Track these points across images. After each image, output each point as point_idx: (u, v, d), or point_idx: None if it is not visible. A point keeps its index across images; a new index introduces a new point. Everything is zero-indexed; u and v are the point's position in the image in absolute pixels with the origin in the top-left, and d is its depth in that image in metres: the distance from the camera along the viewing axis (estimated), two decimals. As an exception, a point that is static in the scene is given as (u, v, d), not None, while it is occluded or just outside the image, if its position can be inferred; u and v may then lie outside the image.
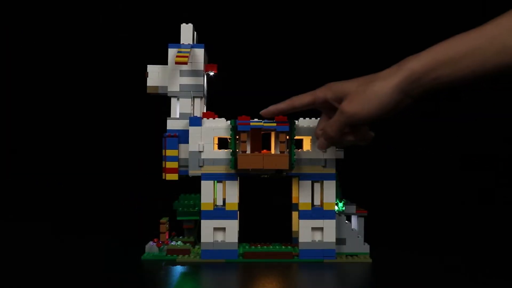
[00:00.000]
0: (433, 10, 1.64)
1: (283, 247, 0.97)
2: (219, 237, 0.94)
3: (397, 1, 1.63)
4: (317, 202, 0.94)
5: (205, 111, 1.01)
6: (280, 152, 0.92)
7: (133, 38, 1.62)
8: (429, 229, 1.23)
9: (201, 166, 0.94)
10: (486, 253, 1.00)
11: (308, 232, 0.93)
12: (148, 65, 0.98)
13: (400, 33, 1.63)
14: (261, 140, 0.94)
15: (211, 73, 1.00)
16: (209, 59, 1.05)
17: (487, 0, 1.53)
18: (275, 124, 0.91)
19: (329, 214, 0.94)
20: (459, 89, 0.74)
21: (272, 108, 0.88)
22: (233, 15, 1.63)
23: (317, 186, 0.94)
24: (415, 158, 1.65)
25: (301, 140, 1.00)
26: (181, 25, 0.97)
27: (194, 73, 0.96)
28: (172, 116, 0.96)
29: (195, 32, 1.00)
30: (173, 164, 0.94)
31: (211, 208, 0.94)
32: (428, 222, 1.31)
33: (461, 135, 1.67)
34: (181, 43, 0.97)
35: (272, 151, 1.01)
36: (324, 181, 0.94)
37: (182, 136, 0.95)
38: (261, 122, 0.91)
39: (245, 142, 0.91)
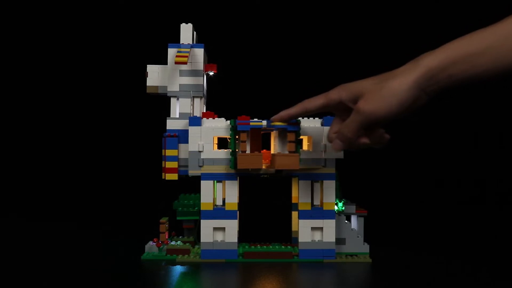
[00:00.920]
0: (433, 10, 1.64)
1: (283, 247, 0.97)
2: (219, 237, 0.94)
3: (395, 1, 1.63)
4: (316, 202, 0.94)
5: (204, 111, 1.01)
6: (289, 152, 0.91)
7: (133, 38, 1.62)
8: (429, 229, 1.23)
9: (200, 166, 0.94)
10: (486, 253, 1.00)
11: (308, 232, 0.93)
12: (148, 65, 0.98)
13: (399, 33, 1.63)
14: (260, 140, 0.94)
15: (211, 73, 1.00)
16: (209, 59, 1.05)
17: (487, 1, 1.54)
18: (285, 124, 0.90)
19: (329, 214, 0.94)
20: (473, 86, 0.73)
21: (284, 113, 0.86)
22: (233, 15, 1.63)
23: (317, 186, 0.94)
24: (415, 158, 1.66)
25: (301, 140, 1.00)
26: (181, 25, 0.97)
27: (194, 73, 0.96)
28: (171, 116, 0.96)
29: (194, 32, 1.00)
30: (173, 164, 0.94)
31: (211, 208, 0.94)
32: (427, 222, 1.31)
33: (461, 135, 1.67)
34: (180, 43, 0.97)
35: (272, 151, 1.02)
36: (324, 181, 0.94)
37: (182, 136, 0.95)
38: (261, 122, 0.91)
39: (244, 142, 0.91)
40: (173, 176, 0.94)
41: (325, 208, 0.94)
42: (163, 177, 0.95)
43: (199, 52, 0.96)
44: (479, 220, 1.34)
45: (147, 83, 0.98)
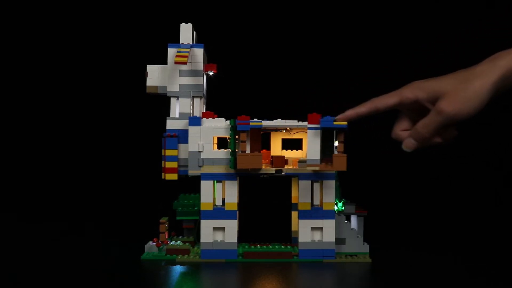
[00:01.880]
0: (433, 10, 1.64)
1: (283, 247, 0.97)
2: (219, 237, 0.94)
3: (394, 1, 1.63)
4: (316, 202, 0.94)
5: (204, 111, 1.01)
6: (338, 152, 0.89)
7: (133, 38, 1.62)
8: (429, 229, 1.23)
9: (200, 166, 0.94)
10: (486, 253, 1.00)
11: (308, 232, 0.93)
12: (147, 65, 0.98)
13: (398, 33, 1.63)
14: (260, 140, 0.94)
15: (211, 73, 1.00)
16: (209, 59, 1.05)
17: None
18: (337, 123, 0.87)
19: (329, 214, 0.94)
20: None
21: (351, 112, 0.84)
22: (233, 15, 1.63)
23: (316, 186, 0.94)
24: (415, 158, 1.65)
25: (301, 140, 1.00)
26: (181, 25, 0.97)
27: (194, 73, 0.96)
28: (171, 116, 0.96)
29: (194, 32, 1.00)
30: (173, 164, 0.94)
31: (211, 208, 0.94)
32: (427, 222, 1.31)
33: (461, 136, 1.67)
34: (180, 43, 0.97)
35: (272, 151, 1.02)
36: (324, 181, 0.94)
37: (182, 136, 0.95)
38: (261, 122, 0.91)
39: (244, 142, 0.91)
40: (173, 176, 0.94)
41: (325, 208, 0.94)
42: (163, 177, 0.95)
43: (199, 52, 0.96)
44: (479, 220, 1.34)
45: (147, 83, 0.98)
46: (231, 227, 0.93)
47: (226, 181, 0.94)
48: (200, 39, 1.03)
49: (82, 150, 1.68)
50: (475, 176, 1.63)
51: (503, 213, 1.43)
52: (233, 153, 0.92)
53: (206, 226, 0.93)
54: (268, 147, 1.02)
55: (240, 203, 0.96)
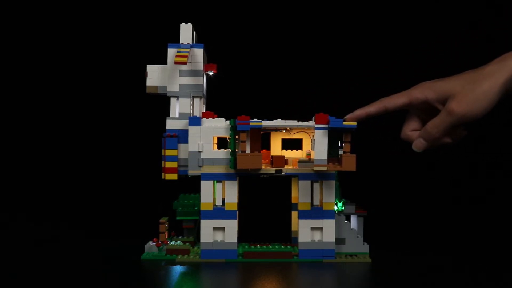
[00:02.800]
0: (432, 10, 1.64)
1: (283, 247, 0.97)
2: (219, 237, 0.94)
3: (394, 2, 1.63)
4: (316, 202, 0.94)
5: (204, 111, 1.01)
6: (345, 152, 0.89)
7: (133, 38, 1.62)
8: (429, 229, 1.23)
9: (200, 166, 0.94)
10: (486, 253, 1.00)
11: (308, 232, 0.93)
12: (147, 65, 0.98)
13: (398, 33, 1.63)
14: (260, 140, 0.94)
15: (211, 73, 1.00)
16: (209, 59, 1.05)
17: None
18: (347, 123, 0.87)
19: (329, 214, 0.94)
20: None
21: (360, 112, 0.84)
22: (233, 15, 1.63)
23: (316, 186, 0.94)
24: (415, 157, 1.65)
25: (301, 140, 1.00)
26: (181, 25, 0.97)
27: (194, 73, 0.96)
28: (171, 116, 0.96)
29: (194, 32, 1.00)
30: (173, 164, 0.94)
31: (211, 208, 0.94)
32: (427, 222, 1.31)
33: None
34: (180, 43, 0.97)
35: (272, 151, 1.02)
36: (324, 181, 0.94)
37: (182, 136, 0.95)
38: (261, 122, 0.91)
39: (244, 142, 0.91)
40: (173, 176, 0.94)
41: (324, 208, 0.94)
42: (163, 177, 0.95)
43: (199, 52, 0.96)
44: (479, 220, 1.34)
45: (147, 83, 0.98)
46: (231, 227, 0.93)
47: (226, 181, 0.94)
48: (200, 39, 1.03)
49: (82, 150, 1.68)
50: (475, 176, 1.63)
51: (503, 213, 1.43)
52: (233, 153, 0.92)
53: (206, 226, 0.93)
54: (268, 147, 1.02)
55: (240, 203, 0.96)
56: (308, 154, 1.00)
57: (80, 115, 1.69)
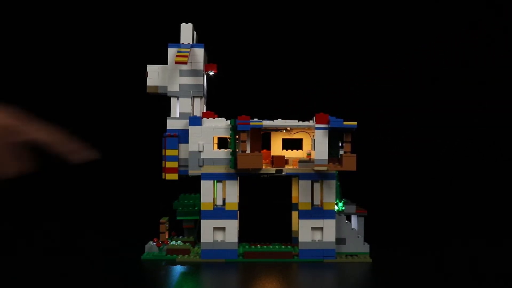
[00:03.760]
0: (432, 10, 1.64)
1: (283, 246, 0.97)
2: (219, 237, 0.94)
3: (396, 2, 1.63)
4: (317, 201, 0.94)
5: (205, 110, 1.01)
6: (345, 152, 0.89)
7: (133, 38, 1.62)
8: (429, 229, 1.23)
9: (201, 166, 0.94)
10: (486, 253, 1.00)
11: (308, 232, 0.93)
12: (148, 65, 0.98)
13: (398, 34, 1.63)
14: (261, 140, 0.94)
15: (211, 73, 1.00)
16: (209, 59, 1.05)
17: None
18: (347, 123, 0.87)
19: (329, 214, 0.94)
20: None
21: None
22: (233, 15, 1.63)
23: (317, 185, 0.94)
24: (415, 157, 1.66)
25: (301, 140, 1.00)
26: (181, 25, 0.97)
27: (194, 72, 0.96)
28: (172, 116, 0.96)
29: (194, 32, 1.00)
30: (173, 164, 0.94)
31: (211, 208, 0.94)
32: (428, 222, 1.31)
33: (460, 135, 1.67)
34: (181, 42, 0.97)
35: (272, 151, 1.02)
36: (324, 181, 0.94)
37: (182, 136, 0.95)
38: (261, 121, 0.91)
39: (245, 141, 0.91)
40: (173, 176, 0.94)
41: (325, 208, 0.94)
42: (163, 177, 0.95)
43: (199, 52, 0.96)
44: (479, 220, 1.34)
45: (147, 83, 0.98)
46: (232, 227, 0.93)
47: (226, 181, 0.94)
48: (200, 39, 1.03)
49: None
50: (475, 176, 1.63)
51: (503, 213, 1.43)
52: (234, 153, 0.92)
53: (207, 226, 0.93)
54: (268, 147, 1.02)
55: (240, 203, 0.96)
56: (309, 154, 1.00)
57: (81, 115, 1.69)
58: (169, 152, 0.94)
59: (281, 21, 1.66)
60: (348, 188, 1.04)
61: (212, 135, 0.94)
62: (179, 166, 0.95)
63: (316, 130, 0.89)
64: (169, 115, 0.96)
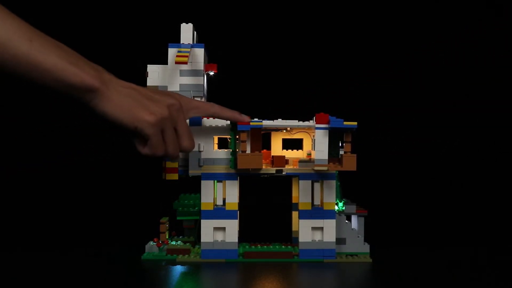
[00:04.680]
0: (432, 10, 1.64)
1: (283, 246, 0.97)
2: (219, 237, 0.94)
3: (396, 2, 1.63)
4: (317, 201, 0.94)
5: (205, 110, 1.01)
6: (345, 152, 0.89)
7: (133, 38, 1.62)
8: (429, 228, 1.23)
9: (201, 166, 0.93)
10: (486, 253, 1.00)
11: (308, 232, 0.93)
12: (148, 65, 0.98)
13: (398, 34, 1.63)
14: (261, 140, 0.94)
15: (211, 73, 1.00)
16: (209, 59, 1.05)
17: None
18: (347, 123, 0.87)
19: (329, 214, 0.94)
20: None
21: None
22: (233, 15, 1.63)
23: (317, 185, 0.94)
24: (415, 157, 1.66)
25: (301, 140, 1.00)
26: (181, 25, 0.97)
27: (194, 72, 0.96)
28: (172, 116, 0.96)
29: (195, 32, 1.00)
30: (173, 164, 0.94)
31: (211, 208, 0.94)
32: (428, 222, 1.31)
33: (460, 135, 1.67)
34: (181, 42, 0.97)
35: (273, 151, 1.02)
36: (324, 181, 0.94)
37: (182, 136, 0.95)
38: (261, 122, 0.91)
39: (245, 141, 0.91)
40: (173, 176, 0.94)
41: (325, 208, 0.94)
42: (163, 177, 0.95)
43: (199, 52, 0.96)
44: (480, 220, 1.34)
45: (147, 83, 0.98)
46: (232, 227, 0.93)
47: (226, 181, 0.94)
48: (201, 39, 1.03)
49: (82, 150, 1.68)
50: (475, 176, 1.63)
51: (503, 212, 1.43)
52: (234, 153, 0.92)
53: (207, 226, 0.93)
54: (268, 147, 1.02)
55: (240, 203, 0.96)
56: (309, 154, 1.00)
57: (80, 115, 1.69)
58: (169, 152, 0.94)
59: (281, 21, 1.66)
60: (348, 188, 1.04)
61: (212, 135, 0.94)
62: (179, 166, 0.95)
63: (316, 130, 0.89)
64: (169, 115, 0.96)
